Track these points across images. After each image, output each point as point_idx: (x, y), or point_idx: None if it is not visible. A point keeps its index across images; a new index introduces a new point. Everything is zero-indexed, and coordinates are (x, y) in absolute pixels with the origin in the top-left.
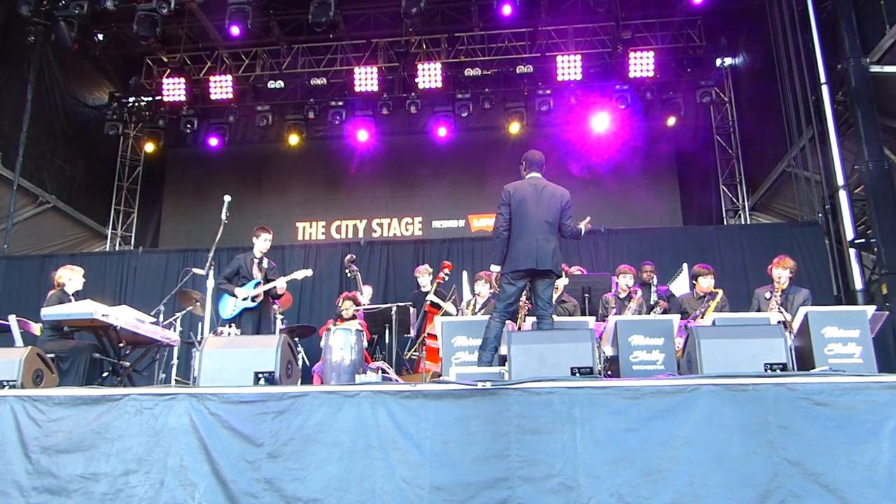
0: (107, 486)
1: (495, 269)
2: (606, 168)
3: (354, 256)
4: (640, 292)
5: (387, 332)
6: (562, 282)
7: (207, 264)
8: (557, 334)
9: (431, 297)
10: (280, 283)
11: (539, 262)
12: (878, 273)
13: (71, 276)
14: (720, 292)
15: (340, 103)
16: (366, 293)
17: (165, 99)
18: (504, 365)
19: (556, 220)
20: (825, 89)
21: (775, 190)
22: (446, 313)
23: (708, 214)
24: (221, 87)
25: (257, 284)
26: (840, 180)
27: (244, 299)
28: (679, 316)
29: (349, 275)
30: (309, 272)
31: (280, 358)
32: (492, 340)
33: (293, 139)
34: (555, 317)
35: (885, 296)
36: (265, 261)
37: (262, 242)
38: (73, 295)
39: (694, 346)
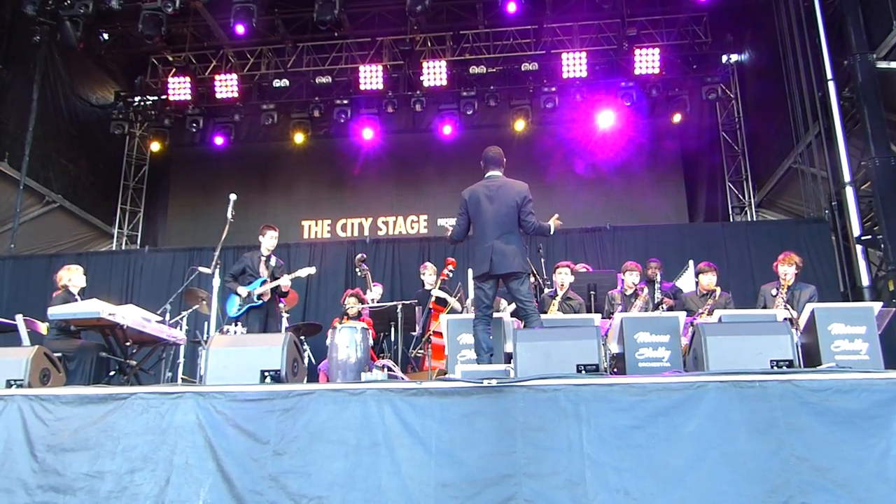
0: (112, 485)
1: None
2: (612, 165)
3: (365, 256)
4: (646, 290)
5: (392, 330)
6: (567, 279)
7: (213, 263)
8: (563, 332)
9: (437, 292)
10: (284, 281)
11: (495, 267)
12: (884, 269)
13: (71, 276)
14: (718, 290)
15: (345, 102)
16: (376, 292)
17: (171, 98)
18: (510, 362)
19: (514, 218)
20: (832, 85)
21: (781, 187)
22: (452, 310)
23: (714, 211)
24: (227, 86)
25: (263, 283)
26: (846, 177)
27: (246, 297)
28: (685, 313)
29: (360, 273)
30: (312, 270)
31: (286, 356)
32: (482, 343)
33: (298, 138)
34: (561, 314)
35: (891, 292)
36: (273, 259)
37: (268, 240)
38: (77, 293)
39: (700, 343)
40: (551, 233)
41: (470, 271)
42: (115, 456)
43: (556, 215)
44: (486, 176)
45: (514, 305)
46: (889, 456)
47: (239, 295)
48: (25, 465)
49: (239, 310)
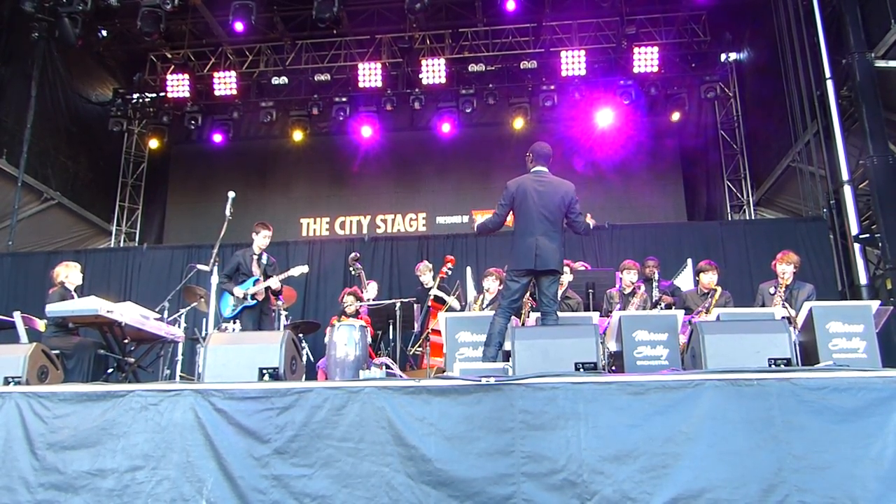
0: (113, 483)
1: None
2: (610, 163)
3: (358, 255)
4: (643, 287)
5: (391, 327)
6: (566, 278)
7: (212, 260)
8: (561, 330)
9: (435, 292)
10: (273, 283)
11: (539, 262)
12: (882, 268)
13: (68, 273)
14: (718, 290)
15: (344, 99)
16: (371, 289)
17: (169, 95)
18: (508, 361)
19: (560, 216)
20: (830, 84)
21: (780, 185)
22: (450, 308)
23: (712, 210)
24: (225, 84)
25: (256, 281)
26: (845, 175)
27: (242, 297)
28: (683, 311)
29: (353, 272)
30: (305, 269)
31: (284, 354)
32: (496, 336)
33: (297, 135)
34: (559, 312)
35: (889, 290)
36: (265, 257)
37: (261, 239)
38: (74, 290)
39: (698, 342)
40: (591, 230)
41: (469, 269)
42: (116, 454)
43: (589, 214)
44: (533, 170)
45: None
46: (885, 455)
47: (234, 295)
48: (26, 462)
49: (233, 310)
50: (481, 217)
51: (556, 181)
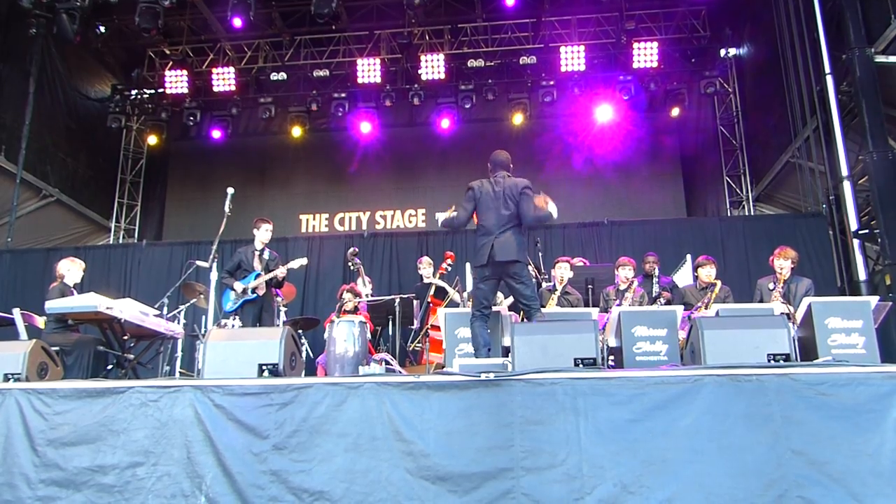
0: (114, 479)
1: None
2: (610, 159)
3: (357, 249)
4: (634, 283)
5: (390, 323)
6: (567, 274)
7: (211, 257)
8: (560, 325)
9: (437, 282)
10: (280, 272)
11: (495, 254)
12: (881, 264)
13: (70, 268)
14: (718, 283)
15: (343, 95)
16: (368, 287)
17: (168, 91)
18: (507, 356)
19: (516, 213)
20: (830, 80)
21: (779, 181)
22: (451, 301)
23: (712, 206)
24: (224, 80)
25: (257, 276)
26: (844, 171)
27: (242, 292)
28: (682, 307)
29: (352, 267)
30: (304, 260)
31: (284, 350)
32: (478, 339)
33: (296, 131)
34: (559, 308)
35: (888, 286)
36: (266, 252)
37: (262, 233)
38: (73, 287)
39: (697, 337)
40: (553, 216)
41: (468, 265)
42: (116, 450)
43: (541, 192)
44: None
45: (511, 299)
46: (884, 450)
47: (234, 290)
48: (27, 459)
49: (234, 304)
50: (445, 214)
51: (512, 179)
